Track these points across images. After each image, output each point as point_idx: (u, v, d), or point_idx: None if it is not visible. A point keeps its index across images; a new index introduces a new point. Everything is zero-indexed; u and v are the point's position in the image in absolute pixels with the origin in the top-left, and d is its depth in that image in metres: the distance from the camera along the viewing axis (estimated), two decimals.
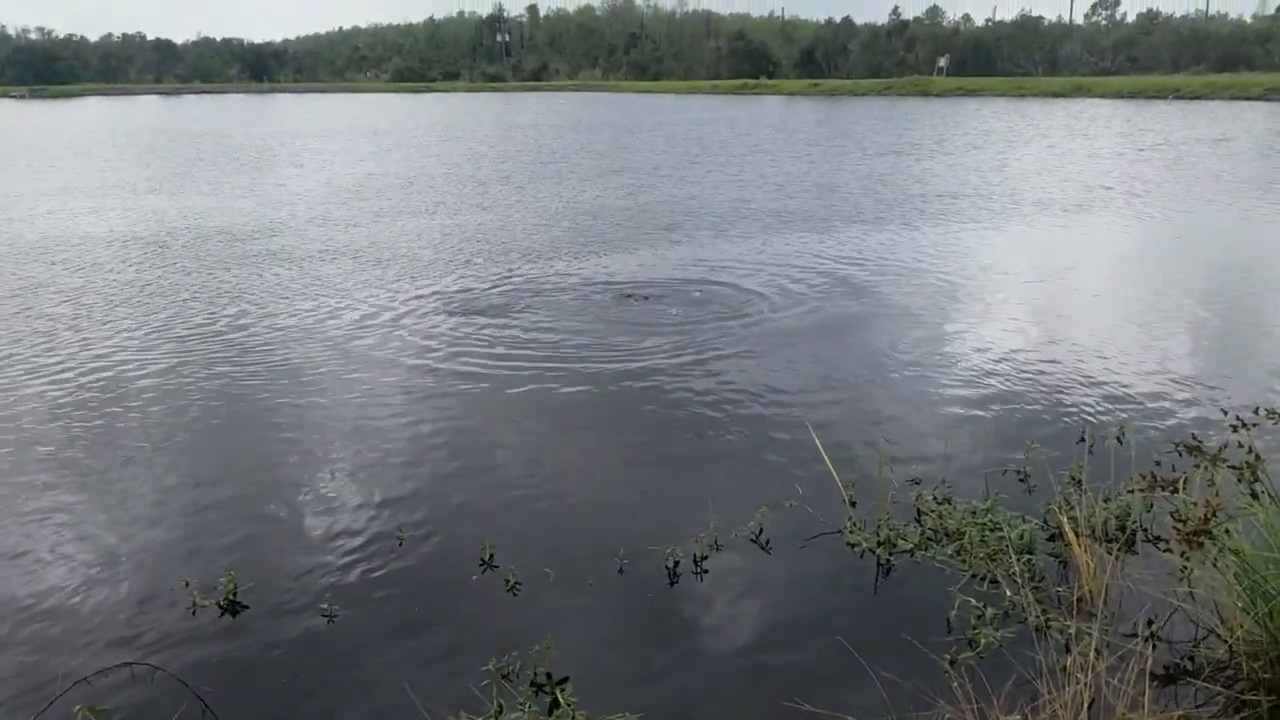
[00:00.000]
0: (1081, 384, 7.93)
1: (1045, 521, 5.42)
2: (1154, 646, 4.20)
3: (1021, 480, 6.09)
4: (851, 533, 5.34)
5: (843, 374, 8.35)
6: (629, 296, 10.95)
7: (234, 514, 5.74)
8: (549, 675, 4.04)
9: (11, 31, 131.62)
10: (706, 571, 5.03)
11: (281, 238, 15.60)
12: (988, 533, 5.23)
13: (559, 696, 3.89)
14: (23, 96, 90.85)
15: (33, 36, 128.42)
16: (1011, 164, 26.51)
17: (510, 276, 12.39)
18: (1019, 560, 4.90)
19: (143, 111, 66.72)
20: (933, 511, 5.52)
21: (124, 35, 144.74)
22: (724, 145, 34.58)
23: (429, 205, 19.60)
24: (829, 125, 46.24)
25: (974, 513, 5.45)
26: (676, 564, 5.03)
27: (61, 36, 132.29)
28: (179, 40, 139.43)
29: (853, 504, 5.62)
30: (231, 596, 4.73)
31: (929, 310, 10.62)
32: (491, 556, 5.12)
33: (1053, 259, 13.96)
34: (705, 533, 5.25)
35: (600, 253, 14.13)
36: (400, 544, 5.33)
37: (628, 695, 3.99)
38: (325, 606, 4.66)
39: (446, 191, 22.00)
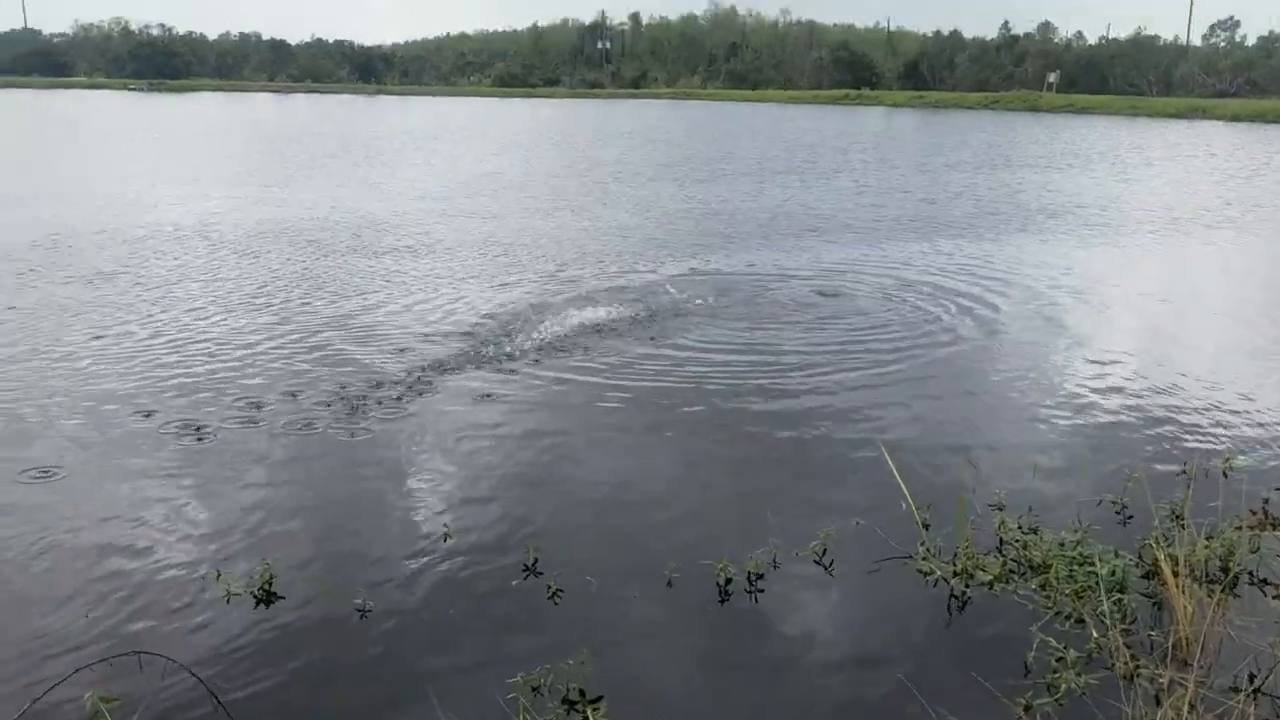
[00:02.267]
0: (1191, 412, 7.32)
1: (1140, 558, 4.95)
2: (1256, 702, 3.73)
3: (1117, 512, 5.60)
4: (924, 559, 4.94)
5: (931, 390, 7.87)
6: (697, 300, 10.64)
7: (282, 503, 5.62)
8: (582, 692, 3.77)
9: (134, 28, 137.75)
10: (761, 591, 4.70)
11: (418, 231, 15.72)
12: (1076, 567, 4.77)
13: (590, 716, 3.61)
14: (142, 90, 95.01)
15: (154, 33, 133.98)
16: (1151, 180, 25.37)
17: (626, 275, 12.21)
18: (1109, 599, 4.44)
19: (261, 108, 68.79)
20: (1017, 541, 5.08)
21: (241, 34, 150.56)
22: (840, 153, 33.87)
23: (554, 204, 19.52)
24: (944, 136, 44.94)
25: (1062, 545, 4.99)
26: (729, 581, 4.71)
27: (181, 34, 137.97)
28: (293, 41, 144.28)
29: (926, 527, 5.22)
30: (267, 587, 4.58)
31: (1038, 327, 10.00)
32: (535, 562, 4.87)
33: (1185, 278, 13.18)
34: (763, 550, 4.92)
35: (727, 253, 13.86)
36: (446, 539, 5.13)
37: None
38: (360, 602, 4.47)
39: (573, 191, 21.89)
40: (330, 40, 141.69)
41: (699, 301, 10.69)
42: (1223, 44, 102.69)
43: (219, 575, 4.63)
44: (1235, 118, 61.15)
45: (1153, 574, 4.71)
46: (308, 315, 9.90)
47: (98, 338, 8.90)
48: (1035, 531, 5.23)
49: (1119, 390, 7.82)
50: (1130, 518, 5.54)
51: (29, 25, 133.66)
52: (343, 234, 15.22)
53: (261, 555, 4.86)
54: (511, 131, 47.08)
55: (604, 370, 8.11)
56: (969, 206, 20.02)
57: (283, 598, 4.55)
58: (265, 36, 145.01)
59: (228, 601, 4.48)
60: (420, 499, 5.66)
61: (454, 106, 77.74)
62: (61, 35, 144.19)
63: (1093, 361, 8.66)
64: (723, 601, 4.61)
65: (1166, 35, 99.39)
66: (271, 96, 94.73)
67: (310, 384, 7.67)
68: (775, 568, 4.89)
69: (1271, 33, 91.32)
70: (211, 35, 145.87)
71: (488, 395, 7.47)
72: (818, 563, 4.98)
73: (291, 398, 7.34)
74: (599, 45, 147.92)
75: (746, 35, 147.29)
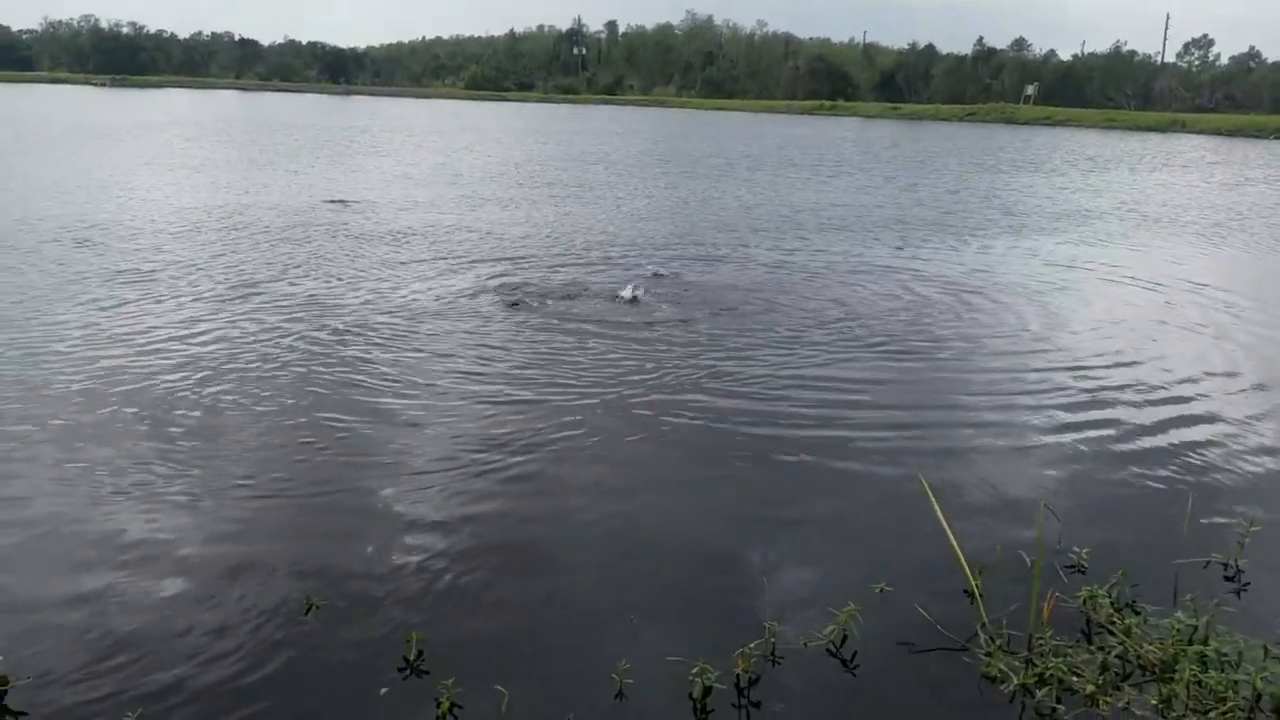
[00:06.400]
0: None
1: None
2: None
3: (1230, 578, 4.11)
4: (990, 656, 3.41)
5: (988, 416, 6.17)
6: (757, 311, 8.89)
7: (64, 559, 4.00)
8: None
9: (104, 24, 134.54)
10: (756, 705, 3.16)
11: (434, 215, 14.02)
12: (1211, 673, 3.27)
13: None
14: (105, 85, 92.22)
15: (125, 31, 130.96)
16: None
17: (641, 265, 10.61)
18: None
19: (240, 104, 65.87)
20: (1116, 625, 3.57)
21: (213, 34, 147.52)
22: (850, 161, 31.74)
23: (561, 194, 17.96)
24: (940, 146, 42.98)
25: (1179, 632, 3.49)
26: (708, 690, 3.16)
27: (152, 32, 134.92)
28: (266, 42, 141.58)
29: (980, 596, 3.70)
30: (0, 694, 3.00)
31: (1126, 337, 8.32)
32: (419, 655, 3.30)
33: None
34: (759, 640, 3.38)
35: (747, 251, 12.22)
36: (307, 612, 3.56)
37: None
38: None
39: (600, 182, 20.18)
40: (304, 42, 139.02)
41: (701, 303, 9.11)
42: (1196, 63, 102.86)
43: None
44: (1215, 131, 60.51)
45: None
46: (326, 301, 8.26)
47: None
48: (1135, 609, 3.74)
49: (1220, 417, 6.26)
50: (1249, 586, 4.07)
51: None
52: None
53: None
54: (490, 130, 45.25)
55: (569, 371, 6.56)
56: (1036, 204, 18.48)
57: (22, 714, 2.95)
58: (237, 37, 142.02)
59: None
60: (282, 550, 4.07)
61: (433, 108, 75.64)
62: (30, 32, 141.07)
63: (1185, 381, 7.05)
64: None
65: (1142, 53, 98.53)
66: (238, 94, 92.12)
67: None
68: (775, 664, 3.36)
69: (1252, 48, 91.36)
70: (183, 35, 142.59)
71: (416, 408, 5.90)
72: (834, 654, 3.45)
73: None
74: (574, 52, 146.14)
75: (723, 45, 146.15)
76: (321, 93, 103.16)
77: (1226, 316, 9.31)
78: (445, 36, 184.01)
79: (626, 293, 9.11)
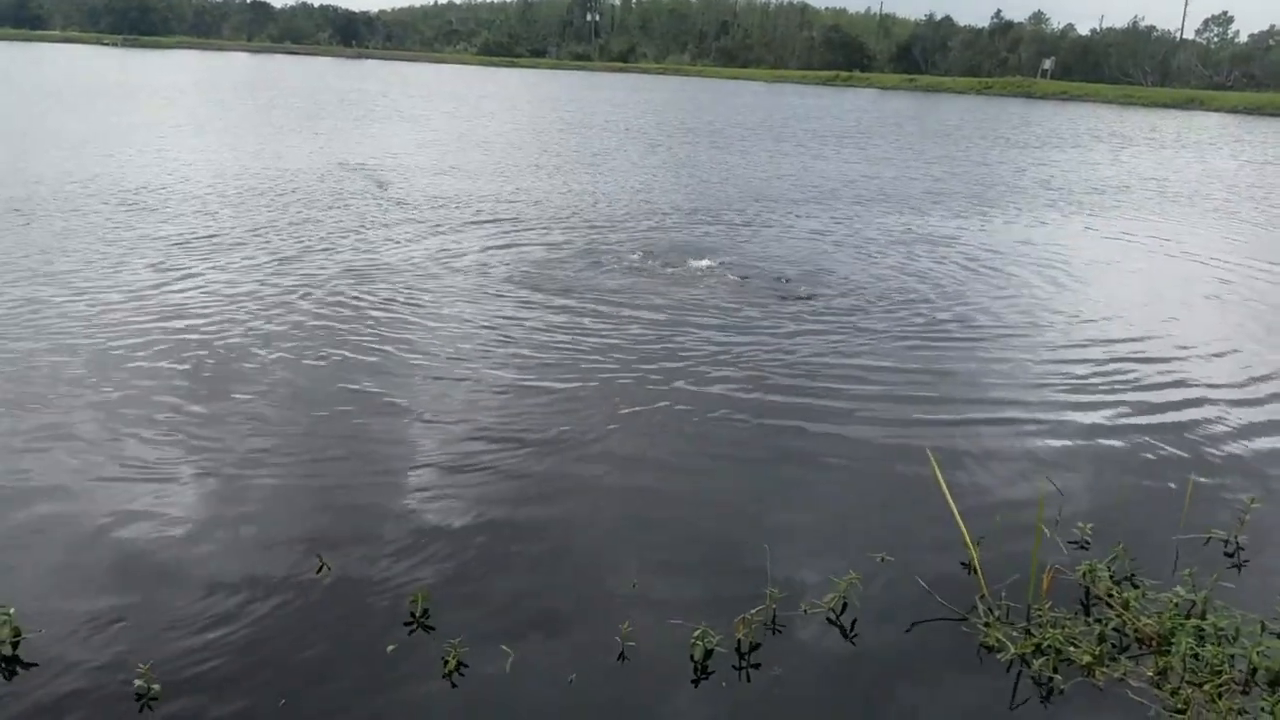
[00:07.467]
0: None
1: None
2: None
3: (1229, 554, 4.14)
4: (988, 626, 3.45)
5: (1001, 391, 6.18)
6: (786, 282, 8.88)
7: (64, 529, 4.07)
8: None
9: None
10: (755, 667, 3.21)
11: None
12: (1207, 646, 3.30)
13: None
14: (116, 45, 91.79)
15: None
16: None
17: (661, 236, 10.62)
18: (1272, 700, 2.99)
19: (255, 66, 65.48)
20: (1114, 599, 3.61)
21: None
22: (874, 133, 31.55)
23: (590, 162, 17.87)
24: (960, 119, 42.36)
25: (1178, 607, 3.52)
26: (709, 653, 3.21)
27: None
28: (278, 5, 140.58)
29: (980, 569, 3.74)
30: (7, 649, 3.05)
31: (1146, 315, 8.34)
32: (425, 613, 3.35)
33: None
34: (760, 606, 3.42)
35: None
36: (318, 571, 3.62)
37: None
38: (140, 682, 2.92)
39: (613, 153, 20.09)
40: (315, 4, 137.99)
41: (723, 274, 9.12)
42: (1215, 40, 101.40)
43: None
44: (1233, 109, 59.70)
45: None
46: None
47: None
48: (1134, 583, 3.77)
49: (1221, 394, 6.27)
50: (1248, 562, 4.09)
51: None
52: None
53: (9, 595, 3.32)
54: (512, 100, 44.94)
55: (572, 341, 6.59)
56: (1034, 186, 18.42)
57: (33, 665, 3.02)
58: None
59: None
60: (301, 516, 4.13)
61: (448, 74, 75.11)
62: None
63: (1187, 359, 7.06)
64: (698, 684, 3.11)
65: (1161, 29, 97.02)
66: (249, 55, 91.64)
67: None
68: (775, 632, 3.40)
69: (1272, 26, 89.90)
70: None
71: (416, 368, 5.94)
72: (833, 622, 3.49)
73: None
74: (587, 18, 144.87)
75: (737, 14, 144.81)
76: (333, 56, 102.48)
77: (1249, 295, 9.28)
78: (457, 1, 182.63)
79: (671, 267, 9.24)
